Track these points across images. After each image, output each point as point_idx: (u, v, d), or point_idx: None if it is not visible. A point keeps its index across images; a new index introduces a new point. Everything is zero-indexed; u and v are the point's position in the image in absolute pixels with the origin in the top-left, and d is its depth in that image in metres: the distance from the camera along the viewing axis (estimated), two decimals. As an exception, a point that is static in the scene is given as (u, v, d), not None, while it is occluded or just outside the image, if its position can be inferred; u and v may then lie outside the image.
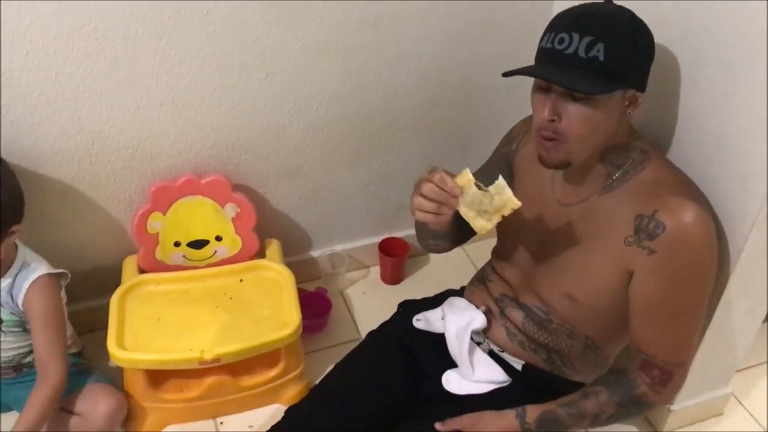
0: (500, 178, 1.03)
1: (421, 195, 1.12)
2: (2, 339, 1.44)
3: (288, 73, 1.58)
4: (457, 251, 1.67)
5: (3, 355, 1.45)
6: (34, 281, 1.39)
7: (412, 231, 1.98)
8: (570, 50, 1.05)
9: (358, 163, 1.83)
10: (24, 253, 1.42)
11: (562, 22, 1.08)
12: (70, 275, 1.48)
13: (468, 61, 1.74)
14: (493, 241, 1.43)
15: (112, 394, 1.51)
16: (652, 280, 1.14)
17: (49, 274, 1.42)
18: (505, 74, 1.11)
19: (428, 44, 1.67)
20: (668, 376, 1.17)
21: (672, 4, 1.28)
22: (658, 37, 1.09)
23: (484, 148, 1.53)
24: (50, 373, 1.38)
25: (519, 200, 1.06)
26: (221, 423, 1.61)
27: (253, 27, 1.47)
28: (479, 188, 1.04)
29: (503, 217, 1.04)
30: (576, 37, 1.04)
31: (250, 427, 1.59)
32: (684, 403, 1.55)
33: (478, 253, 1.99)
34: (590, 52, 1.04)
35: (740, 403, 1.66)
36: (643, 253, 1.13)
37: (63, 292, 1.48)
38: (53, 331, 1.40)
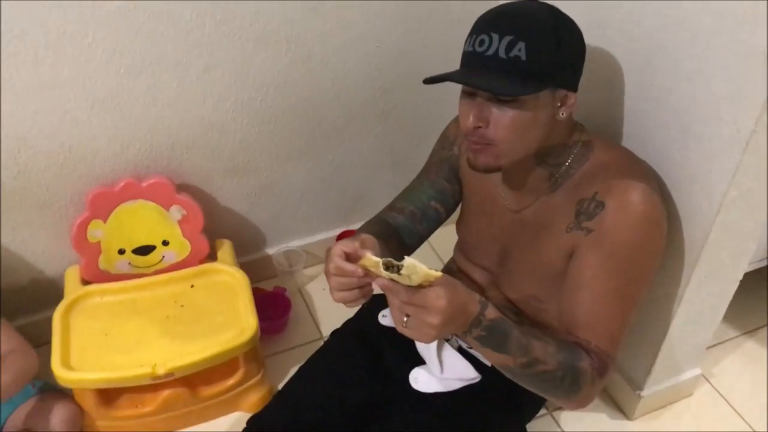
0: (406, 258, 0.90)
1: (335, 290, 1.02)
2: None
3: (228, 66, 1.51)
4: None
5: None
6: None
7: (370, 222, 1.97)
8: (490, 51, 1.01)
9: (310, 155, 1.77)
10: None
11: (482, 23, 1.04)
12: None
13: (418, 45, 1.68)
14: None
15: (64, 401, 1.47)
16: (587, 255, 1.09)
17: None
18: (426, 81, 1.06)
19: (376, 28, 1.60)
20: (604, 367, 1.09)
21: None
22: (617, 23, 1.04)
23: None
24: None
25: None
26: (181, 436, 1.56)
27: (185, 20, 1.40)
28: (389, 268, 0.90)
29: (431, 283, 0.91)
30: (495, 37, 1.00)
31: (212, 438, 1.55)
32: (654, 387, 1.54)
33: (442, 243, 1.94)
34: (511, 51, 0.99)
35: (708, 381, 1.67)
36: (582, 234, 1.09)
37: None
38: None
